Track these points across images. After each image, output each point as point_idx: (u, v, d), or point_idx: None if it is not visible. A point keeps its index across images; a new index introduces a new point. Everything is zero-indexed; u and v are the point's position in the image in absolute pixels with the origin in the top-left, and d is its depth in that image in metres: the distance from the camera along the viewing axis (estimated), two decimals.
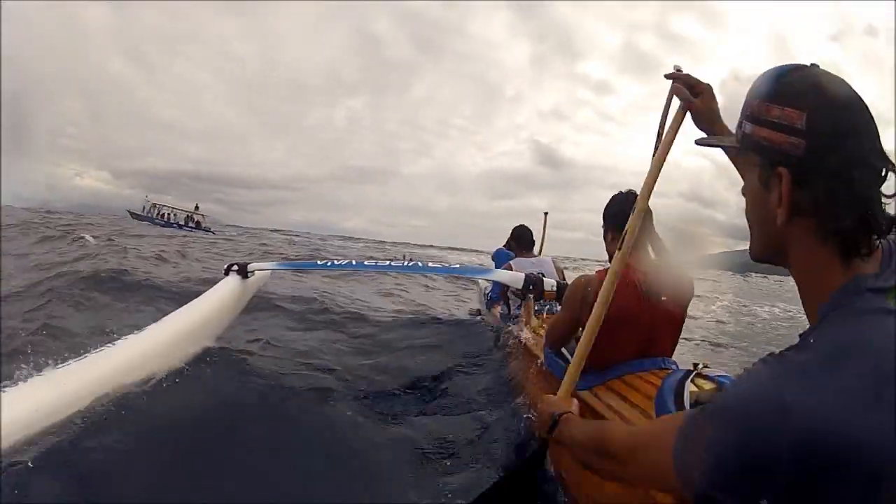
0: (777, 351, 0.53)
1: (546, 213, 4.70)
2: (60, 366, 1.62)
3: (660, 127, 1.07)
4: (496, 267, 3.48)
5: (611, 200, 1.71)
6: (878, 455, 0.42)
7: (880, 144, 0.53)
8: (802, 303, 0.59)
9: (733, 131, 0.66)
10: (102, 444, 1.71)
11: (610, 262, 1.65)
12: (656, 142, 1.08)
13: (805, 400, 0.45)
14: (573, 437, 0.85)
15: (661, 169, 1.08)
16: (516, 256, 3.42)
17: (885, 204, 0.53)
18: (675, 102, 1.02)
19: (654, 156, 1.08)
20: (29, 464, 1.37)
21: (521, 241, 3.42)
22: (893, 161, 0.54)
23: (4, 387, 1.47)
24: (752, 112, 0.59)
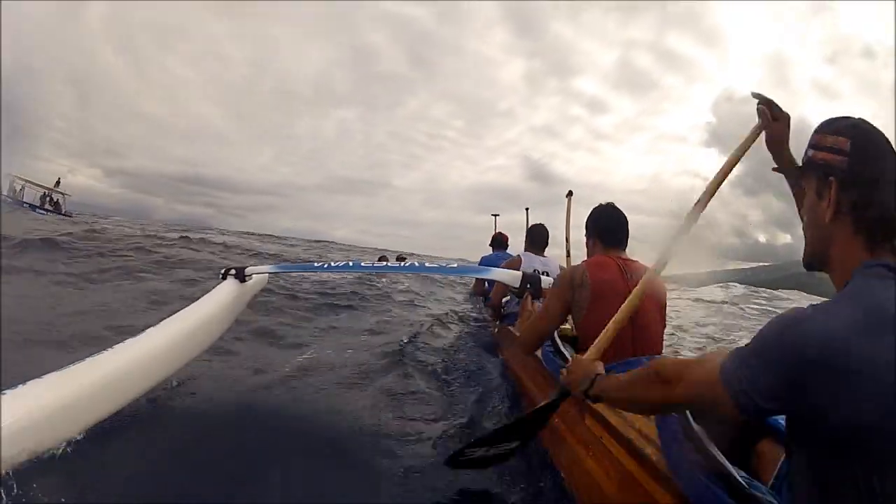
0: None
1: (528, 209, 4.74)
2: (50, 373, 1.60)
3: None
4: None
5: (593, 212, 1.87)
6: (870, 369, 0.59)
7: None
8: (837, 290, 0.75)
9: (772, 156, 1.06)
10: (99, 449, 1.71)
11: None
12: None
13: (816, 317, 0.65)
14: (616, 384, 1.00)
15: (726, 176, 1.22)
16: (526, 252, 3.38)
17: None
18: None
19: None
20: (24, 468, 1.37)
21: (535, 238, 3.44)
22: None
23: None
24: (814, 143, 0.81)
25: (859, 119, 0.79)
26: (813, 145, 0.81)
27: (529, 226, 3.57)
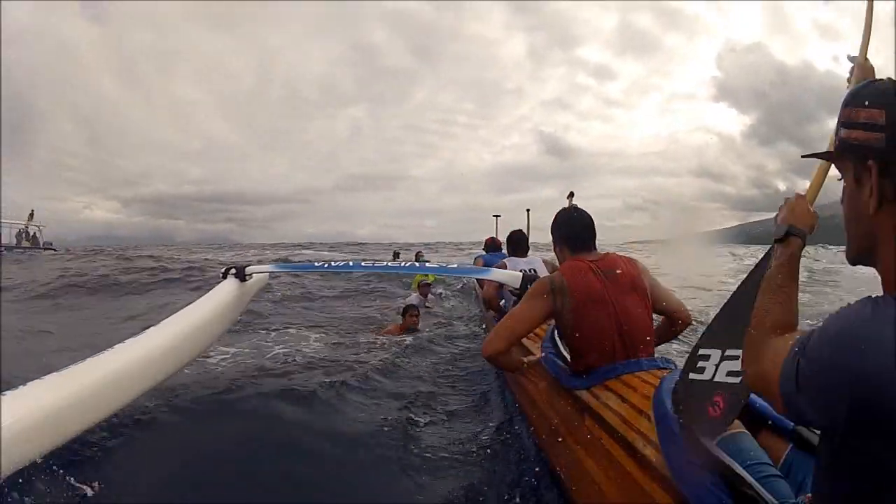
0: (874, 296, 0.59)
1: (528, 210, 4.89)
2: (53, 373, 1.60)
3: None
4: None
5: (556, 218, 1.81)
6: None
7: None
8: (884, 292, 0.65)
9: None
10: (98, 449, 1.71)
11: None
12: None
13: (881, 341, 0.52)
14: (771, 279, 0.77)
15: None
16: (510, 257, 3.49)
17: None
18: None
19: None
20: (24, 468, 1.37)
21: (516, 244, 3.55)
22: None
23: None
24: (845, 119, 0.67)
25: (888, 80, 0.65)
26: (844, 123, 0.67)
27: (509, 233, 3.65)
